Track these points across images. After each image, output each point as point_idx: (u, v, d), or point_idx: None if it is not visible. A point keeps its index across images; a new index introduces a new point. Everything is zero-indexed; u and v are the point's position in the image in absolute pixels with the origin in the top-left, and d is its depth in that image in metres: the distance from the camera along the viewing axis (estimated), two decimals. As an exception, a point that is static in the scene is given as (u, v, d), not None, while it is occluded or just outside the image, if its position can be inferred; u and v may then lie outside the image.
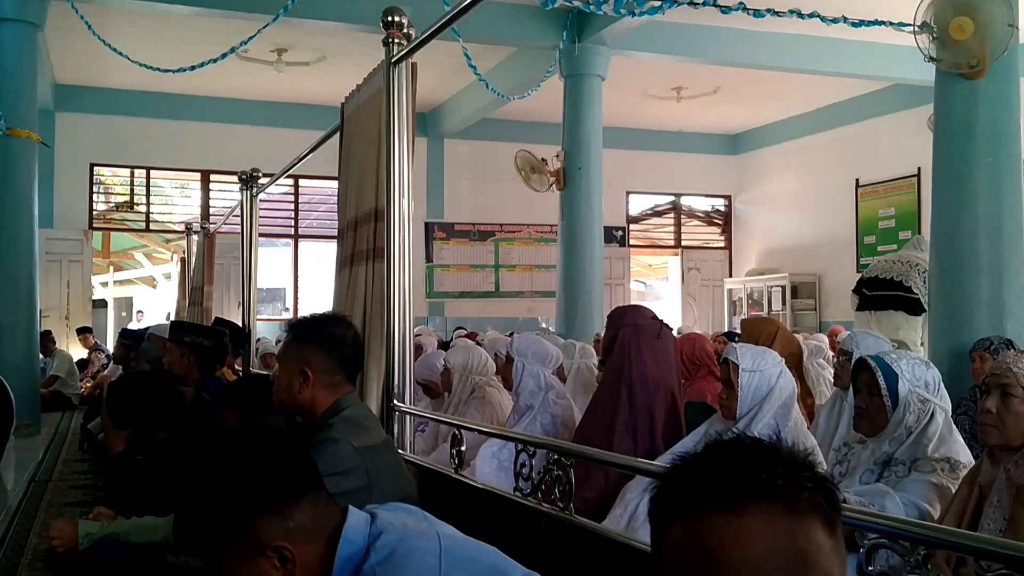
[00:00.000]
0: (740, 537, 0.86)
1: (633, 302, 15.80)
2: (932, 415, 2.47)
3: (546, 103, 10.46)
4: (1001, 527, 2.12)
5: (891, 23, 6.95)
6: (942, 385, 2.54)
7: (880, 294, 6.34)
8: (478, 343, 6.37)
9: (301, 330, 2.45)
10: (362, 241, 3.24)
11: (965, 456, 2.47)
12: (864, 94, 12.59)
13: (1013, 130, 5.42)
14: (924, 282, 6.02)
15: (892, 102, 12.21)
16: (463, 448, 2.64)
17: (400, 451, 2.92)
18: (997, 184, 5.30)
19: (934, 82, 5.67)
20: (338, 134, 3.99)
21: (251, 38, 7.51)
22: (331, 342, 2.39)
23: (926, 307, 5.91)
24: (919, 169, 11.71)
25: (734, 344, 3.11)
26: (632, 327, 3.37)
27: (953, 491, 2.34)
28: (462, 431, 2.67)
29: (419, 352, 6.40)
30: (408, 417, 3.02)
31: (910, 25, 5.45)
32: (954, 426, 2.55)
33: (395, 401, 2.98)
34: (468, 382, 4.52)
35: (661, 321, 3.43)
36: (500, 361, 5.46)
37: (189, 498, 1.47)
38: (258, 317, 7.39)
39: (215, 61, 7.81)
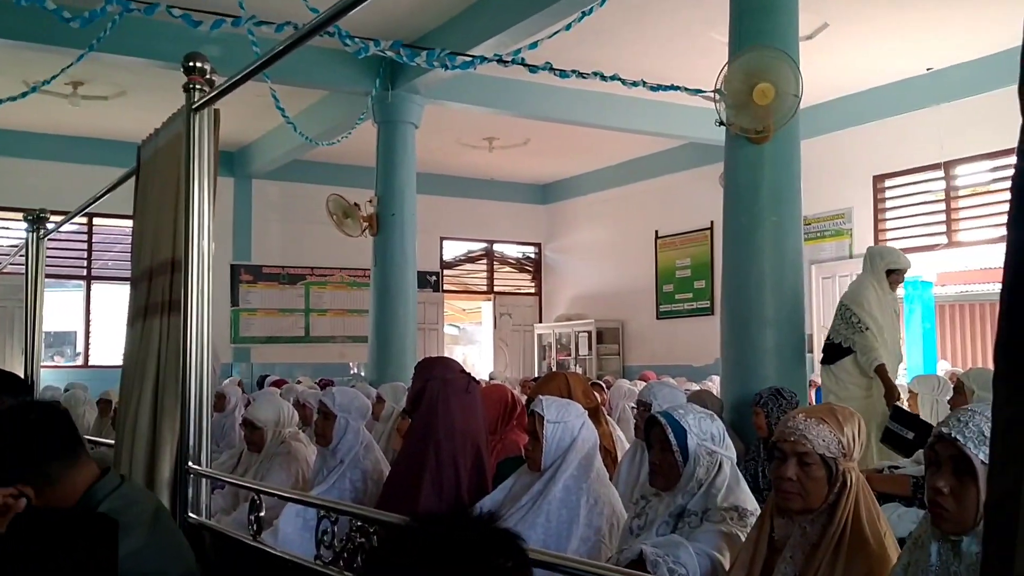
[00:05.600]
0: None
1: (447, 346, 15.91)
2: (720, 466, 2.60)
3: (359, 147, 10.38)
4: (791, 583, 2.23)
5: (686, 88, 7.40)
6: (727, 435, 2.68)
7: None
8: (282, 393, 6.18)
9: None
10: (157, 293, 3.08)
11: (752, 504, 2.61)
12: (662, 151, 13.17)
13: (795, 192, 5.75)
14: (843, 320, 5.93)
15: (687, 159, 12.84)
16: (262, 514, 2.54)
17: (194, 515, 2.77)
18: (780, 242, 5.62)
19: (724, 143, 6.01)
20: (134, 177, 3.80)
21: (54, 77, 7.02)
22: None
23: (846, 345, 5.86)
24: (712, 222, 12.38)
25: (540, 396, 3.16)
26: (440, 380, 3.37)
27: (742, 539, 2.46)
28: (262, 496, 2.57)
29: (221, 402, 6.15)
30: (204, 479, 2.87)
31: (702, 92, 5.78)
32: (740, 475, 2.69)
33: (190, 463, 2.83)
34: (278, 436, 4.37)
35: (469, 375, 3.45)
36: (309, 411, 5.30)
37: None
38: (44, 364, 6.87)
39: (14, 99, 7.30)
